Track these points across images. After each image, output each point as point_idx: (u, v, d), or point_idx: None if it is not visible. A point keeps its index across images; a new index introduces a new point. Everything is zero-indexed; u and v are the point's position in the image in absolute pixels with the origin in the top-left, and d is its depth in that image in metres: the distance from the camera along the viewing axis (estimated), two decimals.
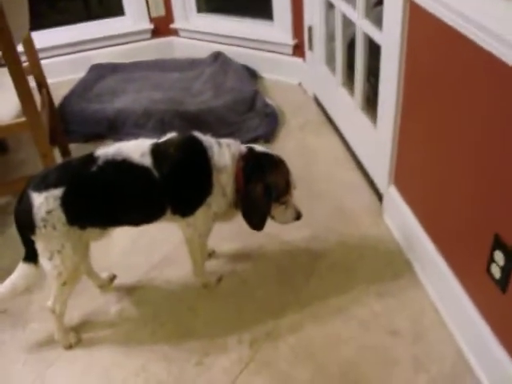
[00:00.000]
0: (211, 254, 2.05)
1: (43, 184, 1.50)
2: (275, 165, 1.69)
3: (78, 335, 1.77)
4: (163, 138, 1.65)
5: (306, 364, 1.62)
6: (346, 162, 2.58)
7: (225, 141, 1.68)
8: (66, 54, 3.77)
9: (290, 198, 1.73)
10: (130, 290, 1.95)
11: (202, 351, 1.70)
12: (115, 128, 2.96)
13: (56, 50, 3.72)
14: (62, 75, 3.63)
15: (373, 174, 2.34)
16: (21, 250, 1.61)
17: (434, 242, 1.76)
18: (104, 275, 1.96)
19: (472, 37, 1.30)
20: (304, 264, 1.99)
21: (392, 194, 2.06)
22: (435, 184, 1.70)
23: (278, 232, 2.06)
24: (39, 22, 4.00)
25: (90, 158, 1.55)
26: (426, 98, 1.68)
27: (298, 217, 1.76)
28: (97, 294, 1.94)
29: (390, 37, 1.84)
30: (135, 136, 2.82)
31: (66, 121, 2.96)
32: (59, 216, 1.49)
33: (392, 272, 1.91)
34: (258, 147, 1.74)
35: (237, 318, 1.80)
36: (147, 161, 1.55)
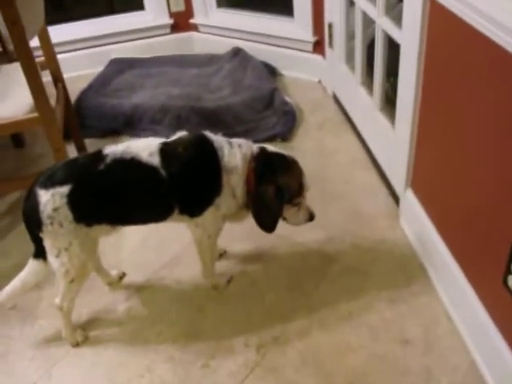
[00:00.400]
0: (222, 254, 2.03)
1: (50, 181, 1.49)
2: (288, 166, 1.65)
3: (85, 333, 1.77)
4: (173, 137, 1.63)
5: (313, 371, 1.58)
6: (364, 163, 2.53)
7: (236, 141, 1.64)
8: (85, 47, 3.78)
9: (302, 199, 1.68)
10: (138, 289, 1.93)
11: (209, 353, 1.67)
12: (132, 124, 2.95)
13: (76, 43, 3.73)
14: (81, 69, 3.65)
15: (390, 176, 2.28)
16: (32, 246, 1.60)
17: (449, 248, 1.71)
18: (113, 273, 1.95)
19: (492, 36, 1.25)
20: (316, 267, 1.95)
21: (409, 198, 2.01)
22: (452, 189, 1.65)
23: (290, 233, 2.02)
24: (63, 15, 4.05)
25: (98, 156, 1.53)
26: (445, 100, 1.63)
27: (311, 218, 1.72)
28: (106, 291, 1.93)
29: (410, 35, 1.79)
30: (152, 132, 2.86)
31: (83, 115, 2.96)
32: (66, 214, 1.48)
33: (405, 277, 1.86)
34: (271, 147, 1.70)
35: (245, 321, 1.77)
36: (155, 160, 1.53)
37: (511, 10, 1.17)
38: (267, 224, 1.66)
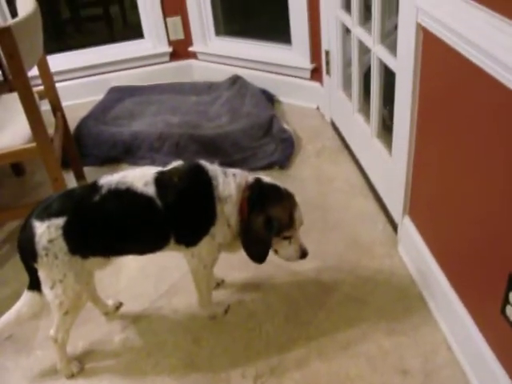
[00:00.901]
0: (220, 284, 2.01)
1: (45, 213, 1.49)
2: (280, 197, 1.64)
3: (80, 364, 1.75)
4: (168, 167, 1.63)
5: None
6: (362, 190, 2.52)
7: (231, 170, 1.65)
8: (85, 76, 3.81)
9: (294, 233, 1.66)
10: (135, 319, 1.91)
11: None
12: (131, 152, 2.95)
13: (75, 72, 3.77)
14: (81, 97, 3.69)
15: (388, 203, 2.28)
16: None
17: (447, 277, 1.69)
18: (110, 302, 1.94)
19: (485, 68, 1.26)
20: (314, 296, 1.93)
21: (406, 225, 2.00)
22: (449, 217, 1.64)
23: (288, 262, 2.01)
24: (63, 44, 4.10)
25: (94, 187, 1.54)
26: (441, 127, 1.63)
27: (304, 255, 1.69)
28: (102, 322, 1.91)
29: (404, 64, 1.80)
30: (150, 160, 2.86)
31: (83, 144, 2.97)
32: (61, 245, 1.48)
33: (404, 307, 1.84)
34: (267, 178, 1.70)
35: (242, 351, 1.75)
36: (151, 190, 1.53)
37: (502, 43, 1.18)
38: (255, 254, 1.65)
